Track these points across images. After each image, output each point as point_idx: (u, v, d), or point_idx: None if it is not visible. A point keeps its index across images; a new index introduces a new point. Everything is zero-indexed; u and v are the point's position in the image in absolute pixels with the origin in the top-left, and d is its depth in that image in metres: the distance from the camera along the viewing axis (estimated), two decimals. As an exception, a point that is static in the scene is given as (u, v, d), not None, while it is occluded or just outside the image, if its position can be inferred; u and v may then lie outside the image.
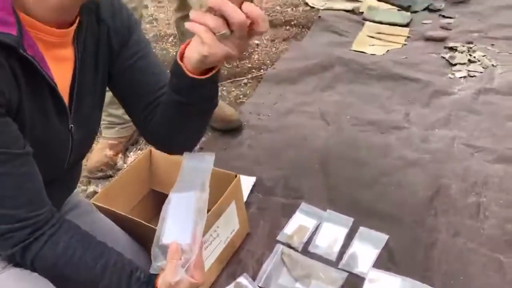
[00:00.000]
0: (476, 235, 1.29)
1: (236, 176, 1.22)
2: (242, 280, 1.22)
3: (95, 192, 1.59)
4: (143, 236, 1.12)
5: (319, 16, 2.79)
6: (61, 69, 0.73)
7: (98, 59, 0.80)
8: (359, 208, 1.41)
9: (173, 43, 2.69)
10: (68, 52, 0.74)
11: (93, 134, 0.88)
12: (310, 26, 2.73)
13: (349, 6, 2.89)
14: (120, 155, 1.73)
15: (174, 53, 2.51)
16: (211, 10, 0.63)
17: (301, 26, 2.78)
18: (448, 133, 1.73)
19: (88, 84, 0.79)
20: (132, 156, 1.78)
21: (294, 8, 3.04)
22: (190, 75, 0.70)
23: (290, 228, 1.37)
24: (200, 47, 0.65)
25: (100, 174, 1.64)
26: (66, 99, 0.75)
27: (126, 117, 0.92)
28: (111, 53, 0.82)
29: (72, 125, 0.77)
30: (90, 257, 0.73)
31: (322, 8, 2.93)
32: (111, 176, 1.66)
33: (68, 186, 0.94)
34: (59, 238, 0.72)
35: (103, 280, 0.73)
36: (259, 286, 1.20)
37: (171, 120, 0.81)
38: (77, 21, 0.73)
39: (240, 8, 0.61)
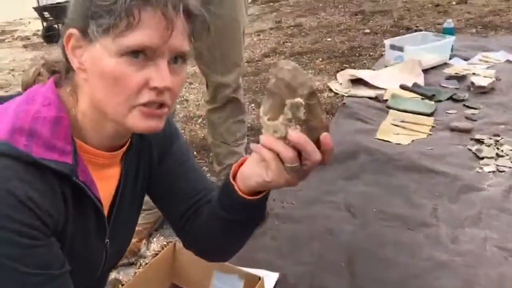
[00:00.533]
0: None
1: (260, 279, 1.20)
2: None
3: (116, 279, 1.57)
4: None
5: (344, 103, 2.87)
6: (106, 187, 0.76)
7: (139, 172, 0.84)
8: (388, 315, 1.34)
9: (202, 124, 2.78)
10: (115, 171, 0.78)
11: (126, 244, 0.89)
12: (334, 113, 2.80)
13: (373, 93, 2.97)
14: (144, 241, 1.73)
15: (203, 136, 2.60)
16: (285, 139, 0.62)
17: (326, 112, 2.85)
18: (479, 233, 1.67)
19: (128, 198, 0.82)
20: (155, 243, 1.78)
21: (319, 94, 3.14)
22: (244, 196, 0.71)
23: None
24: (264, 172, 0.66)
25: (123, 261, 1.64)
26: (105, 214, 0.77)
27: (152, 203, 0.92)
28: (151, 164, 0.85)
29: (108, 240, 0.78)
30: None
31: (346, 94, 3.02)
32: (133, 264, 1.65)
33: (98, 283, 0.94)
34: None
35: None
36: None
37: (214, 233, 0.81)
38: (127, 143, 0.78)
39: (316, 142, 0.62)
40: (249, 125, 2.40)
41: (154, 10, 0.62)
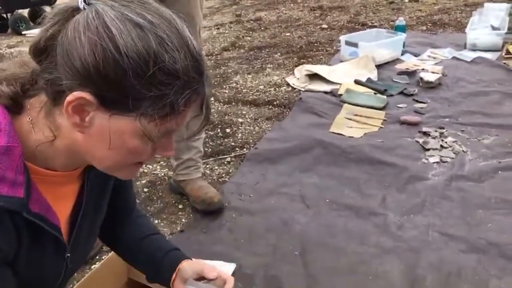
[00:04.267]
0: (452, 331, 1.31)
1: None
2: None
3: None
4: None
5: (300, 98, 2.95)
6: (63, 204, 0.74)
7: (106, 187, 0.84)
8: (337, 300, 1.42)
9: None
10: (73, 187, 0.76)
11: (88, 252, 0.89)
12: (291, 107, 2.87)
13: (328, 88, 3.07)
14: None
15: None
16: None
17: (283, 106, 2.92)
18: (423, 220, 1.79)
19: (90, 215, 0.81)
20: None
21: (277, 89, 3.21)
22: None
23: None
24: None
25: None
26: (65, 231, 0.75)
27: None
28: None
29: (68, 254, 0.77)
30: None
31: (303, 89, 3.10)
32: (87, 262, 1.64)
33: None
34: None
35: None
36: None
37: (127, 250, 1.01)
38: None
39: None
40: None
41: (198, 99, 0.64)
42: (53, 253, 0.73)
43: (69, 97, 0.59)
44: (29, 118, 0.65)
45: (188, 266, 0.93)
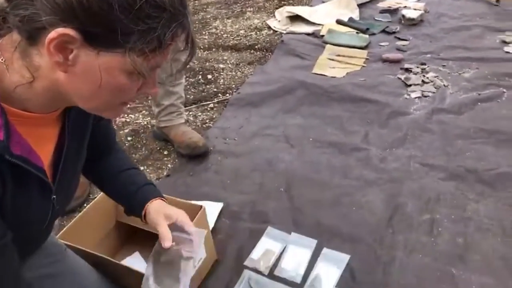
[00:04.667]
0: (431, 251, 1.37)
1: (201, 207, 1.26)
2: (211, 307, 1.25)
3: (60, 224, 1.58)
4: (110, 270, 1.14)
5: (282, 40, 2.89)
6: (45, 147, 0.73)
7: (85, 128, 0.83)
8: (322, 230, 1.47)
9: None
10: (53, 128, 0.75)
11: (73, 192, 0.89)
12: (273, 50, 2.83)
13: (310, 29, 3.01)
14: (87, 188, 1.73)
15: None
16: None
17: (264, 50, 2.87)
18: (405, 153, 1.83)
19: (73, 155, 0.80)
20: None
21: (258, 32, 3.14)
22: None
23: (256, 253, 1.41)
24: None
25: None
26: (49, 173, 0.75)
27: None
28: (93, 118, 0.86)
29: (54, 196, 0.77)
30: None
31: (284, 32, 3.04)
32: (75, 211, 1.65)
33: (45, 238, 0.95)
34: None
35: None
36: (227, 312, 1.23)
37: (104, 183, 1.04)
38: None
39: None
40: (188, 66, 2.37)
41: (183, 34, 0.63)
42: (39, 196, 0.73)
43: (51, 34, 0.56)
44: (1, 59, 0.62)
45: (154, 209, 0.97)
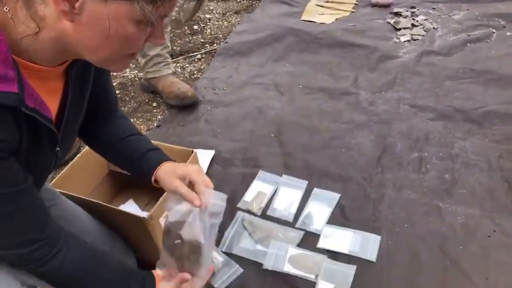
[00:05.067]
0: (418, 187, 1.41)
1: (192, 151, 1.26)
2: (206, 247, 1.28)
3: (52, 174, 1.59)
4: (104, 216, 1.16)
5: (269, -12, 2.81)
6: (51, 99, 0.73)
7: (86, 83, 0.82)
8: (313, 171, 1.50)
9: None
10: (59, 83, 0.75)
11: (73, 145, 0.90)
12: (260, -2, 2.75)
13: (298, -24, 2.91)
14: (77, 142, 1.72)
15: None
16: None
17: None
18: (394, 95, 1.83)
19: (76, 107, 0.81)
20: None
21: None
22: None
23: (249, 195, 1.44)
24: None
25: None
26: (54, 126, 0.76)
27: None
28: (95, 71, 0.85)
29: (58, 148, 0.79)
30: (102, 269, 0.84)
31: (271, -21, 2.94)
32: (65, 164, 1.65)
33: (42, 185, 0.96)
34: (73, 253, 0.78)
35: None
36: (222, 251, 1.27)
37: (103, 147, 1.01)
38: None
39: None
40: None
41: None
42: (47, 146, 0.75)
43: None
44: (6, 9, 0.61)
45: (165, 173, 0.92)
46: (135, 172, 0.99)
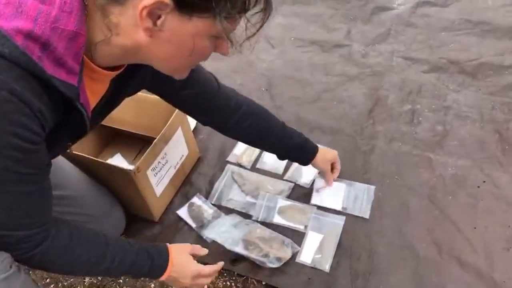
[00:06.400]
0: (410, 139, 1.40)
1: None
2: (196, 200, 1.28)
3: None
4: (91, 169, 1.14)
5: None
6: (92, 99, 0.73)
7: (126, 89, 0.83)
8: (304, 124, 1.47)
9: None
10: (104, 86, 0.75)
11: None
12: None
13: None
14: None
15: None
16: None
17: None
18: (388, 47, 1.79)
19: (105, 111, 0.83)
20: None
21: None
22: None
23: (239, 149, 1.42)
24: None
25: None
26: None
27: None
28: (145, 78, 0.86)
29: (70, 143, 0.80)
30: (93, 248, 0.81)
31: None
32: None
33: None
34: (61, 233, 0.76)
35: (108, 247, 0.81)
36: (212, 203, 1.27)
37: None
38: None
39: None
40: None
41: None
42: (68, 139, 0.76)
43: (147, 1, 0.56)
44: (85, 12, 0.61)
45: (321, 158, 1.20)
46: (290, 156, 1.19)
